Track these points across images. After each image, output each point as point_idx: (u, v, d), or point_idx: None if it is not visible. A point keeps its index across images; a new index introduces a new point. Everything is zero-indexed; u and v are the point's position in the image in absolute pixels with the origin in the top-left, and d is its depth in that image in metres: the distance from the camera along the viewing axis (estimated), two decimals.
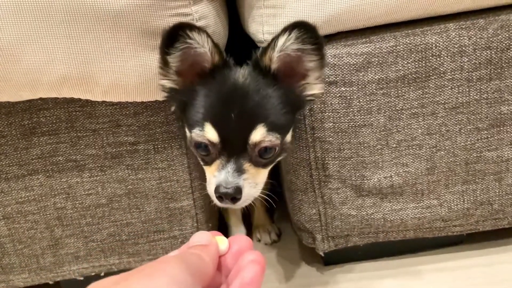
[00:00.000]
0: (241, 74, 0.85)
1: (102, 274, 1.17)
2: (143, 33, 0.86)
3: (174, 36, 0.80)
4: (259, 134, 0.82)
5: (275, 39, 0.81)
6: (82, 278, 1.17)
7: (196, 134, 0.84)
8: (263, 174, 0.88)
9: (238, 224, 1.34)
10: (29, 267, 1.15)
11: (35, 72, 0.86)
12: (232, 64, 0.87)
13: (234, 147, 0.82)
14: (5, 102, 0.99)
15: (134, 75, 0.89)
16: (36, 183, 1.07)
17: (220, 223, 1.31)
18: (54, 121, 1.03)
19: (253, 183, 0.84)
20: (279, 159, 0.92)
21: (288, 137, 0.90)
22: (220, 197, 0.82)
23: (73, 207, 1.10)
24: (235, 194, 0.82)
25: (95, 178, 1.08)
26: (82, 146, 1.05)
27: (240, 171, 0.82)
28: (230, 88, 0.83)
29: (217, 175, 0.83)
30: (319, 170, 1.06)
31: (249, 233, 1.39)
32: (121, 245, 1.15)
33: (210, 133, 0.82)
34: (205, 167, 0.89)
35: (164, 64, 0.85)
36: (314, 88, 0.88)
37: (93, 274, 1.17)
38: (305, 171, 1.07)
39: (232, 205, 0.84)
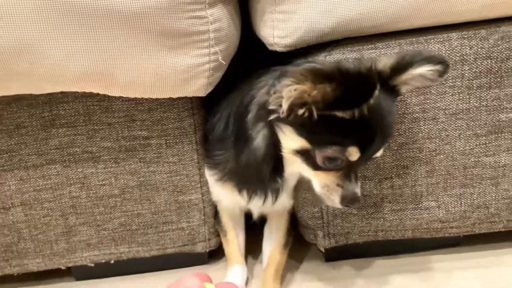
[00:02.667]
0: (376, 94, 0.81)
1: (112, 261, 1.22)
2: (160, 34, 0.91)
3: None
4: (382, 150, 0.90)
5: (412, 64, 0.85)
6: (92, 265, 1.22)
7: (334, 151, 0.84)
8: None
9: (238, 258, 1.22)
10: (43, 252, 1.20)
11: (58, 68, 0.91)
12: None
13: (363, 162, 0.89)
14: (27, 95, 1.05)
15: (150, 73, 0.94)
16: (53, 172, 1.13)
17: None
18: (73, 114, 1.09)
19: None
20: None
21: None
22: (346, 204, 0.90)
23: (87, 196, 1.16)
24: (360, 202, 0.90)
25: (109, 169, 1.13)
26: (98, 139, 1.11)
27: (357, 179, 0.90)
28: (372, 111, 0.82)
29: (344, 186, 0.88)
30: None
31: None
32: (131, 234, 1.20)
33: (353, 155, 0.84)
34: (315, 171, 0.90)
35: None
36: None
37: (103, 261, 1.22)
38: None
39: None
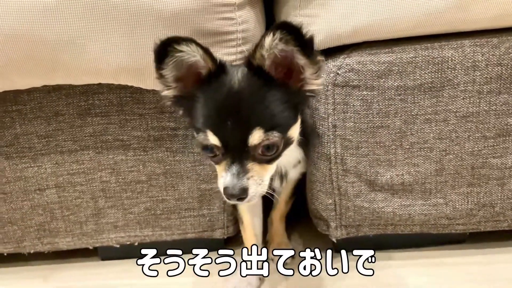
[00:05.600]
0: (237, 78, 0.86)
1: (136, 243, 1.31)
2: (193, 32, 0.98)
3: (164, 52, 0.84)
4: (256, 137, 0.85)
5: (262, 37, 0.82)
6: (118, 246, 1.31)
7: (201, 138, 0.88)
8: (269, 170, 0.92)
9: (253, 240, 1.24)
10: (73, 232, 1.29)
11: (98, 61, 0.99)
12: (229, 68, 0.88)
13: (236, 150, 0.86)
14: (66, 85, 1.13)
15: None
16: (86, 158, 1.21)
17: None
18: (107, 104, 1.17)
19: (259, 179, 0.89)
20: (284, 151, 0.94)
21: (293, 131, 0.93)
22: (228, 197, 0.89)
23: (116, 181, 1.24)
24: (242, 195, 0.87)
25: (138, 157, 1.21)
26: (129, 128, 1.19)
27: (244, 171, 0.87)
28: (225, 94, 0.86)
29: (224, 176, 0.88)
30: (338, 164, 1.17)
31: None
32: (155, 219, 1.28)
33: (211, 139, 0.86)
34: (216, 166, 0.93)
35: (160, 77, 0.89)
36: (311, 83, 0.88)
37: (128, 243, 1.31)
38: (325, 164, 1.17)
39: (240, 203, 0.93)
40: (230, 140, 0.86)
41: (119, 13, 0.95)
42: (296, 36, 0.80)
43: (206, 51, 0.85)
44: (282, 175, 1.15)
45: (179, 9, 0.95)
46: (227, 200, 0.90)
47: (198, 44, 0.83)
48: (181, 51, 0.83)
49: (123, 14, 0.95)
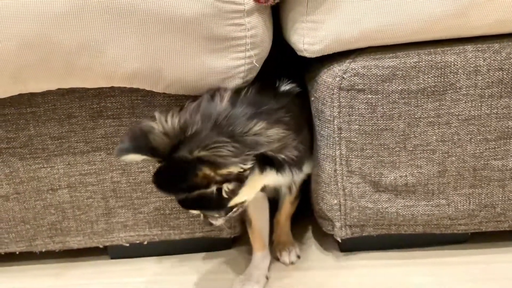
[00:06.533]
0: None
1: (145, 242, 1.33)
2: (205, 38, 1.01)
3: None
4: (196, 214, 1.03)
5: None
6: (127, 245, 1.34)
7: None
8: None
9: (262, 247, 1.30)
10: (84, 231, 1.32)
11: (113, 66, 1.02)
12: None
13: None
14: (79, 88, 1.15)
15: (194, 72, 1.04)
16: (98, 159, 1.24)
17: None
18: (118, 107, 1.19)
19: (221, 216, 1.04)
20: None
21: (239, 197, 0.99)
22: None
23: (126, 182, 1.27)
24: (212, 227, 1.16)
25: None
26: None
27: (205, 216, 1.05)
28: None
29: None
30: (343, 166, 1.19)
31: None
32: (164, 218, 1.31)
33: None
34: None
35: None
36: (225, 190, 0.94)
37: (137, 242, 1.33)
38: (330, 166, 1.20)
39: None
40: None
41: (134, 19, 0.98)
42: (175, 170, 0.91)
43: (152, 154, 0.94)
44: (290, 187, 1.22)
45: (191, 15, 0.98)
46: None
47: (142, 151, 0.93)
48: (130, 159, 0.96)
49: (140, 19, 0.98)
